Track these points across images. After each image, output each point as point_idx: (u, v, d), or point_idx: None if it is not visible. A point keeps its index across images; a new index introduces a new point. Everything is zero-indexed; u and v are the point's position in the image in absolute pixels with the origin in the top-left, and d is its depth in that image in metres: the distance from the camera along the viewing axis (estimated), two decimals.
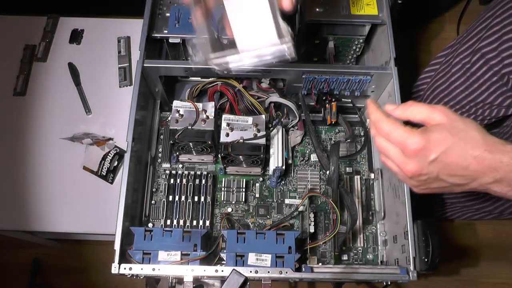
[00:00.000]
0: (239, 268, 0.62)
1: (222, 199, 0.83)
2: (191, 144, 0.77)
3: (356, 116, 0.87)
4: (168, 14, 0.81)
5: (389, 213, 0.78)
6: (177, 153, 0.83)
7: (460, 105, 0.94)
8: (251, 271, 0.63)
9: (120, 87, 0.99)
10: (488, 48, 0.81)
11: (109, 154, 0.91)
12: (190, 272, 0.63)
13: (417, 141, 0.49)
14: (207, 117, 0.76)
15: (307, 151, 0.88)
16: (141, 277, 0.67)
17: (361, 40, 0.82)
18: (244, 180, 0.84)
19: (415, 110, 0.52)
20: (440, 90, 0.97)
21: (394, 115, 0.54)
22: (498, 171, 0.47)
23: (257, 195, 0.84)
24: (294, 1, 0.54)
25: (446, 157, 0.48)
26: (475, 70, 0.86)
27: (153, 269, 0.63)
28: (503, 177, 0.48)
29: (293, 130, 0.87)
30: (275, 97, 0.83)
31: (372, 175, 0.85)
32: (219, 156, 0.79)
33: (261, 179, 0.85)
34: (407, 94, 1.06)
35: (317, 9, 0.78)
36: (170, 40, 0.81)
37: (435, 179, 0.50)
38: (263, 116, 0.78)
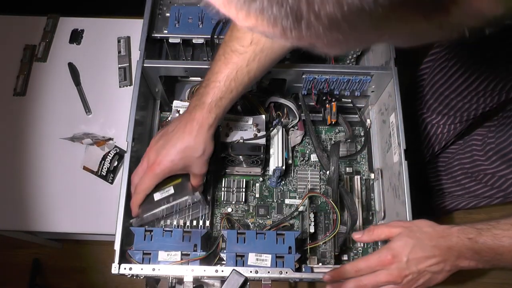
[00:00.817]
0: (239, 268, 0.62)
1: (222, 199, 0.83)
2: None
3: (356, 116, 0.87)
4: (168, 14, 0.81)
5: (389, 213, 0.78)
6: None
7: (461, 96, 0.94)
8: (251, 271, 0.63)
9: (120, 87, 0.99)
10: None
11: (109, 154, 0.91)
12: (190, 272, 0.63)
13: (387, 252, 0.60)
14: None
15: (307, 151, 0.88)
16: (141, 277, 0.67)
17: None
18: (244, 180, 0.84)
19: (378, 232, 0.65)
20: (439, 84, 0.97)
21: (362, 240, 0.69)
22: (454, 250, 0.58)
23: (257, 195, 0.84)
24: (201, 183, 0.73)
25: (414, 254, 0.59)
26: (474, 58, 0.86)
27: (153, 269, 0.63)
28: (460, 253, 0.58)
29: (293, 130, 0.87)
30: (275, 97, 0.83)
31: (372, 175, 0.85)
32: (219, 156, 0.79)
33: (261, 179, 0.85)
34: (407, 93, 1.06)
35: None
36: (170, 40, 0.81)
37: (419, 274, 0.60)
38: (263, 116, 0.78)
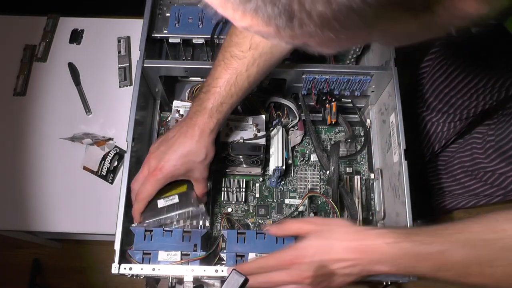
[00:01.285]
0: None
1: (222, 199, 0.83)
2: None
3: (356, 116, 0.87)
4: (168, 14, 0.81)
5: (389, 213, 0.78)
6: None
7: (461, 93, 0.94)
8: None
9: (120, 87, 0.99)
10: None
11: (109, 154, 0.91)
12: (190, 272, 0.63)
13: (290, 252, 0.58)
14: None
15: (307, 151, 0.88)
16: (141, 277, 0.67)
17: None
18: (244, 180, 0.84)
19: (287, 226, 0.62)
20: (439, 82, 0.97)
21: (271, 233, 0.64)
22: (367, 253, 0.55)
23: (257, 195, 0.84)
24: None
25: (320, 256, 0.56)
26: (473, 56, 0.86)
27: (153, 269, 0.63)
28: (374, 257, 0.54)
29: (293, 130, 0.87)
30: (275, 97, 0.83)
31: (372, 175, 0.85)
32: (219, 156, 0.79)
33: (261, 179, 0.85)
34: (407, 92, 1.06)
35: None
36: (170, 40, 0.81)
37: (325, 276, 0.56)
38: (263, 116, 0.78)
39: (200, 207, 0.67)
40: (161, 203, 0.70)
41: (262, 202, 0.84)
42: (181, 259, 0.66)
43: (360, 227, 0.58)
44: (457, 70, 0.92)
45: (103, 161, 0.90)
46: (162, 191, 0.72)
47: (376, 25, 0.29)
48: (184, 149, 0.66)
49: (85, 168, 0.91)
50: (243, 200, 0.83)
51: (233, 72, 0.65)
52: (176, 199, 0.70)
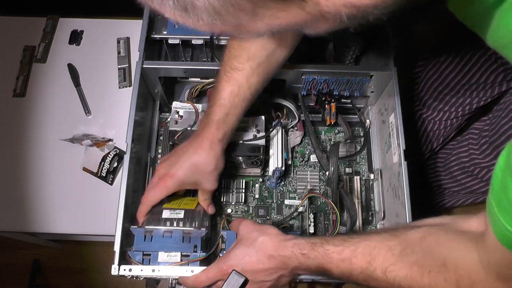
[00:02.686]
0: None
1: (222, 200, 0.83)
2: None
3: (356, 116, 0.87)
4: None
5: (388, 213, 0.78)
6: None
7: (454, 90, 0.94)
8: None
9: (119, 88, 0.99)
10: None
11: (109, 155, 0.91)
12: (190, 273, 0.63)
13: (223, 263, 0.61)
14: None
15: (307, 152, 0.88)
16: (141, 278, 0.67)
17: (360, 41, 0.82)
18: (244, 181, 0.84)
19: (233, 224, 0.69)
20: (433, 80, 0.98)
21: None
22: (288, 262, 0.59)
23: (257, 196, 0.84)
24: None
25: (250, 265, 0.59)
26: (463, 53, 0.87)
27: (153, 270, 0.63)
28: (293, 265, 0.59)
29: (292, 130, 0.87)
30: (274, 98, 0.83)
31: (372, 176, 0.85)
32: None
33: (260, 180, 0.85)
34: (407, 93, 1.06)
35: None
36: (170, 41, 0.81)
37: (258, 283, 0.60)
38: (263, 117, 0.78)
39: (201, 231, 0.67)
40: (166, 213, 0.70)
41: (261, 203, 0.84)
42: (181, 260, 0.66)
43: (281, 237, 0.61)
44: (448, 68, 0.93)
45: (102, 162, 0.91)
46: (173, 202, 0.73)
47: (263, 14, 0.32)
48: (194, 159, 0.68)
49: (84, 169, 0.91)
50: (243, 201, 0.83)
51: (235, 83, 0.67)
52: (181, 215, 0.69)
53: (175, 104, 0.78)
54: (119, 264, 0.64)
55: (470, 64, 0.89)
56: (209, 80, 0.83)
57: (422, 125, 1.10)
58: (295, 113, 0.83)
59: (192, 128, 0.75)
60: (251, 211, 0.83)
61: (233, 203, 0.83)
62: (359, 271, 0.55)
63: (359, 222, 0.81)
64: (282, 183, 0.85)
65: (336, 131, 0.91)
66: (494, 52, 0.79)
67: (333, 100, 0.80)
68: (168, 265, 0.65)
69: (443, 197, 1.23)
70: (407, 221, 0.67)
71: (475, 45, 0.84)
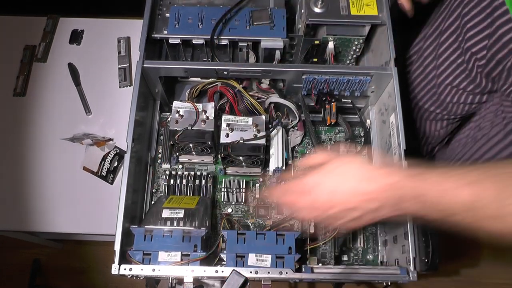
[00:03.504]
0: (239, 269, 0.62)
1: (222, 199, 0.83)
2: (191, 144, 0.77)
3: (356, 116, 0.87)
4: (168, 15, 0.81)
5: None
6: (177, 153, 0.83)
7: (430, 84, 0.94)
8: (251, 272, 0.63)
9: (120, 87, 0.99)
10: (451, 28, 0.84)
11: (109, 155, 0.91)
12: (190, 272, 0.63)
13: (312, 180, 0.59)
14: (207, 117, 0.76)
15: (307, 152, 0.88)
16: (141, 278, 0.67)
17: (361, 41, 0.82)
18: (244, 180, 0.84)
19: (313, 157, 0.65)
20: (416, 75, 0.97)
21: (301, 164, 0.69)
22: (395, 188, 0.52)
23: (257, 196, 0.84)
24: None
25: (348, 181, 0.55)
26: (442, 50, 0.87)
27: (153, 270, 0.63)
28: (403, 193, 0.52)
29: (293, 130, 0.87)
30: (275, 98, 0.83)
31: None
32: (219, 156, 0.79)
33: (261, 179, 0.85)
34: (407, 94, 1.06)
35: (317, 10, 0.79)
36: (170, 41, 0.81)
37: (347, 209, 0.56)
38: (263, 116, 0.78)
39: (201, 230, 0.67)
40: (165, 213, 0.69)
41: (262, 203, 0.84)
42: (181, 259, 0.66)
43: (372, 166, 0.56)
44: (431, 64, 0.92)
45: (103, 162, 0.91)
46: (173, 201, 0.72)
47: None
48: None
49: (85, 168, 0.91)
50: (243, 200, 0.83)
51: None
52: (181, 214, 0.69)
53: (176, 104, 0.78)
54: (120, 264, 0.64)
55: (447, 62, 0.87)
56: (210, 79, 0.83)
57: (420, 126, 1.10)
58: (295, 112, 0.83)
59: (192, 128, 0.75)
60: (251, 211, 0.83)
61: (233, 203, 0.83)
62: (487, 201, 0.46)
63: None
64: (283, 183, 0.85)
65: (337, 131, 0.91)
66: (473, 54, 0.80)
67: (333, 100, 0.80)
68: (168, 264, 0.65)
69: None
70: (408, 221, 0.67)
71: (453, 43, 0.84)
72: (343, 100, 0.84)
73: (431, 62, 0.91)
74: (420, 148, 1.14)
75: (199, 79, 0.87)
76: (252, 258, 0.66)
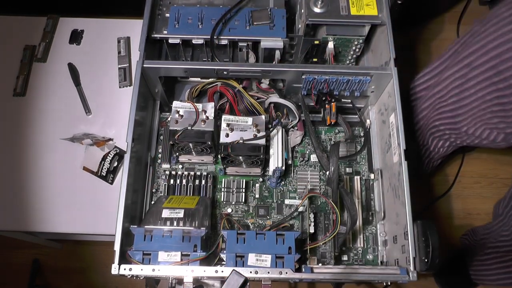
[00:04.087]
0: (239, 269, 0.62)
1: (222, 199, 0.83)
2: (191, 144, 0.77)
3: (356, 116, 0.87)
4: (167, 15, 0.81)
5: (389, 213, 0.78)
6: (177, 153, 0.83)
7: (449, 108, 0.94)
8: (251, 272, 0.63)
9: (120, 87, 0.99)
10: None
11: (109, 155, 0.91)
12: (190, 272, 0.63)
13: None
14: (207, 117, 0.76)
15: (307, 152, 0.88)
16: (141, 278, 0.67)
17: (360, 41, 0.82)
18: (244, 180, 0.84)
19: None
20: (435, 95, 0.97)
21: None
22: None
23: (257, 196, 0.84)
24: None
25: None
26: (473, 84, 0.86)
27: (153, 270, 0.63)
28: None
29: (293, 130, 0.87)
30: (274, 98, 0.84)
31: (372, 176, 0.85)
32: (219, 156, 0.79)
33: (261, 179, 0.85)
34: (407, 95, 1.06)
35: (317, 10, 0.79)
36: (170, 41, 0.81)
37: None
38: (263, 116, 0.78)
39: (201, 230, 0.67)
40: (165, 213, 0.69)
41: (262, 203, 0.84)
42: (181, 259, 0.66)
43: None
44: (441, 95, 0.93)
45: (103, 162, 0.91)
46: (173, 201, 0.72)
47: None
48: None
49: (85, 168, 0.91)
50: (243, 200, 0.83)
51: None
52: (181, 214, 0.69)
53: (176, 104, 0.78)
54: (119, 264, 0.64)
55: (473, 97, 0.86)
56: (210, 79, 0.83)
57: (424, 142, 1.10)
58: (295, 112, 0.83)
59: (192, 128, 0.75)
60: (251, 211, 0.83)
61: (233, 203, 0.83)
62: None
63: (359, 222, 0.81)
64: (282, 182, 0.85)
65: (336, 131, 0.91)
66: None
67: (333, 100, 0.80)
68: (168, 264, 0.65)
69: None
70: (407, 222, 0.67)
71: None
72: (343, 100, 0.84)
73: (454, 89, 0.91)
74: (422, 162, 1.15)
75: (199, 79, 0.87)
76: (252, 258, 0.66)
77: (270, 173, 0.82)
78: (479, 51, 0.82)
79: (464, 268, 1.26)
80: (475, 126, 0.90)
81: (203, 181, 0.82)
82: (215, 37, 0.79)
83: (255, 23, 0.80)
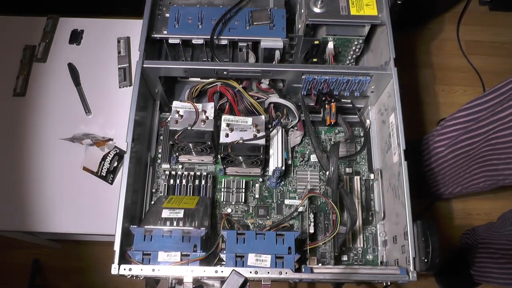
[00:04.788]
0: (239, 269, 0.62)
1: (222, 199, 0.83)
2: (190, 144, 0.77)
3: (356, 116, 0.87)
4: (167, 15, 0.81)
5: (388, 213, 0.78)
6: (177, 153, 0.83)
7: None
8: (250, 272, 0.63)
9: (119, 87, 0.99)
10: None
11: (109, 155, 0.91)
12: (189, 272, 0.63)
13: None
14: (207, 117, 0.76)
15: (307, 152, 0.88)
16: (141, 278, 0.67)
17: (360, 41, 0.82)
18: (244, 180, 0.84)
19: None
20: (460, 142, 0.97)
21: None
22: None
23: (257, 196, 0.84)
24: None
25: None
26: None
27: (153, 270, 0.63)
28: None
29: (292, 130, 0.87)
30: (274, 98, 0.83)
31: (372, 176, 0.85)
32: (219, 156, 0.79)
33: (260, 179, 0.85)
34: (407, 95, 1.06)
35: (317, 10, 0.79)
36: (170, 41, 0.81)
37: None
38: (263, 116, 0.78)
39: (201, 230, 0.67)
40: (165, 213, 0.69)
41: (261, 203, 0.84)
42: (181, 259, 0.66)
43: None
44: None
45: (103, 162, 0.91)
46: (172, 201, 0.72)
47: None
48: None
49: (85, 168, 0.91)
50: (243, 200, 0.83)
51: None
52: (180, 214, 0.69)
53: (175, 104, 0.78)
54: (119, 264, 0.64)
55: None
56: (209, 79, 0.83)
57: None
58: (295, 113, 0.83)
59: (192, 128, 0.75)
60: (251, 211, 0.83)
61: (233, 203, 0.83)
62: None
63: (359, 222, 0.81)
64: (282, 183, 0.85)
65: (336, 131, 0.91)
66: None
67: (333, 100, 0.80)
68: (168, 264, 0.65)
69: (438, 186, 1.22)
70: (407, 221, 0.67)
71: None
72: (342, 100, 0.84)
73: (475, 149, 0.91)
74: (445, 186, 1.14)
75: (199, 79, 0.87)
76: (251, 258, 0.66)
77: (270, 173, 0.82)
78: None
79: (465, 268, 1.26)
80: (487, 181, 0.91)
81: (203, 181, 0.82)
82: (215, 37, 0.79)
83: (255, 23, 0.80)
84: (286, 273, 0.64)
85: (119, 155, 0.91)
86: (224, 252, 0.67)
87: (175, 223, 0.68)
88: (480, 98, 0.98)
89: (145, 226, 0.67)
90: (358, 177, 0.85)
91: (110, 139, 0.94)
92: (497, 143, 0.88)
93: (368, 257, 0.81)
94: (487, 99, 0.96)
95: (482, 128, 0.93)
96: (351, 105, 0.85)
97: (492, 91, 0.94)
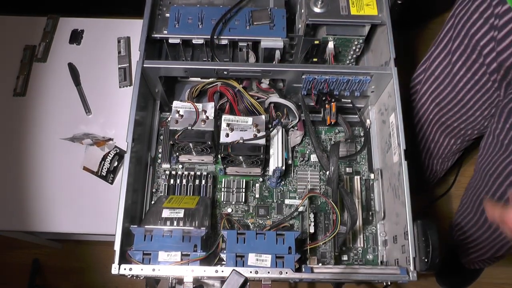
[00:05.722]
0: (239, 269, 0.62)
1: (222, 199, 0.83)
2: (191, 144, 0.77)
3: (356, 116, 0.87)
4: (168, 15, 0.81)
5: (389, 213, 0.78)
6: (177, 153, 0.83)
7: (446, 100, 0.94)
8: (251, 272, 0.63)
9: (120, 87, 0.99)
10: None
11: (109, 155, 0.91)
12: (190, 272, 0.63)
13: None
14: (207, 117, 0.76)
15: (307, 152, 0.88)
16: (141, 278, 0.67)
17: (360, 41, 0.82)
18: (244, 180, 0.84)
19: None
20: (428, 93, 0.97)
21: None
22: None
23: (257, 196, 0.84)
24: None
25: None
26: (456, 69, 0.86)
27: (153, 270, 0.63)
28: None
29: (293, 130, 0.87)
30: (275, 98, 0.84)
31: (372, 176, 0.85)
32: (219, 156, 0.79)
33: (261, 179, 0.85)
34: (406, 95, 1.06)
35: (317, 10, 0.79)
36: (170, 41, 0.81)
37: None
38: (263, 116, 0.78)
39: (201, 230, 0.67)
40: (165, 212, 0.69)
41: (262, 203, 0.84)
42: (181, 259, 0.66)
43: None
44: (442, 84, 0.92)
45: (103, 162, 0.91)
46: (173, 201, 0.72)
47: None
48: None
49: (85, 168, 0.91)
50: (243, 200, 0.83)
51: None
52: (181, 214, 0.69)
53: (176, 104, 0.78)
54: (119, 264, 0.64)
55: (463, 81, 0.87)
56: (210, 79, 0.83)
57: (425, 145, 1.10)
58: (295, 112, 0.83)
59: (192, 128, 0.75)
60: (251, 211, 0.83)
61: (233, 203, 0.83)
62: None
63: (359, 222, 0.81)
64: (282, 182, 0.85)
65: (337, 130, 0.91)
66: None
67: (333, 100, 0.80)
68: (168, 264, 0.65)
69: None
70: (407, 221, 0.67)
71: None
72: (343, 100, 0.84)
73: (444, 81, 0.91)
74: (433, 165, 1.14)
75: (199, 79, 0.87)
76: (252, 258, 0.66)
77: (270, 173, 0.82)
78: (450, 33, 0.84)
79: (459, 263, 1.27)
80: (481, 107, 0.90)
81: (203, 181, 0.82)
82: (215, 37, 0.79)
83: (255, 23, 0.80)
84: (286, 273, 0.64)
85: (119, 155, 0.92)
86: (224, 252, 0.67)
87: (175, 223, 0.68)
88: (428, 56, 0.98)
89: (145, 226, 0.67)
90: (358, 177, 0.85)
91: (110, 139, 0.94)
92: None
93: (368, 257, 0.81)
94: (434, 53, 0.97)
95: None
96: (351, 105, 0.85)
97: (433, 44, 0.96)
